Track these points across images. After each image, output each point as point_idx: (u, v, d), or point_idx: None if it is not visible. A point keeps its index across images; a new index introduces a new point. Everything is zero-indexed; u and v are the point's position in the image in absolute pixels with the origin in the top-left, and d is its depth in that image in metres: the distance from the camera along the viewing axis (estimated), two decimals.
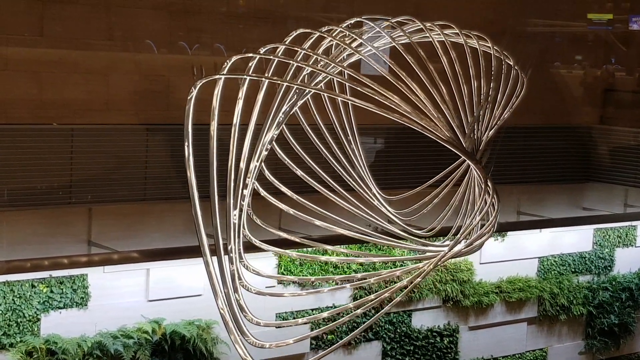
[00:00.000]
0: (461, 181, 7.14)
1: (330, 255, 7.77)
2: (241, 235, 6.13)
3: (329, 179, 7.03)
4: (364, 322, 12.21)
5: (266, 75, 6.09)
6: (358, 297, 11.85)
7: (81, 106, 12.57)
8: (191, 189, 6.01)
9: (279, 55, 6.16)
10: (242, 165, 6.09)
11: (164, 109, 12.97)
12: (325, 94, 6.70)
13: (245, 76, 6.01)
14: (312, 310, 11.52)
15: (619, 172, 17.09)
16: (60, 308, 10.06)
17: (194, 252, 8.42)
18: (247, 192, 6.16)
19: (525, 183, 15.95)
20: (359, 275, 8.13)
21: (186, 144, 6.02)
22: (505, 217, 13.36)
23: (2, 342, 9.73)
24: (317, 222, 6.65)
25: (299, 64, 6.11)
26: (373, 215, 6.93)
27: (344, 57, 6.55)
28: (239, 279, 6.12)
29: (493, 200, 6.28)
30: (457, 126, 6.03)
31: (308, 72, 6.41)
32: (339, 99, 6.90)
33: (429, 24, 6.36)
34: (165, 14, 13.15)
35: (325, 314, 6.78)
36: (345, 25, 6.58)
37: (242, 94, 6.07)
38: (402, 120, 5.85)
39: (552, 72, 18.22)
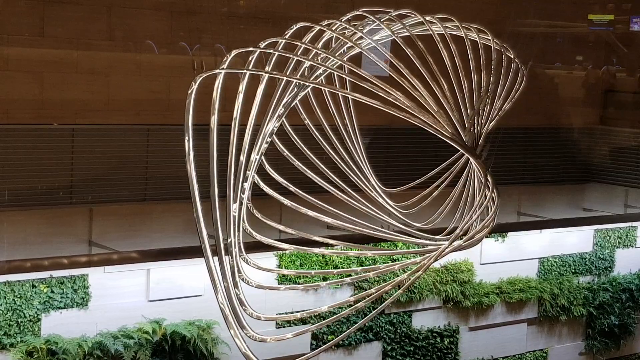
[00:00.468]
0: (461, 174, 7.16)
1: (330, 251, 7.73)
2: (241, 229, 6.13)
3: (328, 171, 7.02)
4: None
5: (266, 69, 6.10)
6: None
7: (82, 106, 12.59)
8: (191, 184, 6.01)
9: (279, 49, 6.18)
10: (242, 157, 6.09)
11: (165, 109, 12.99)
12: (325, 89, 6.70)
13: (245, 70, 6.02)
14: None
15: (619, 173, 17.11)
16: (60, 308, 10.07)
17: (194, 252, 8.45)
18: (247, 185, 6.16)
19: (526, 184, 15.96)
20: (358, 269, 8.13)
21: (186, 138, 6.02)
22: (505, 218, 13.39)
23: (3, 342, 9.74)
24: (316, 215, 6.64)
25: (299, 58, 6.12)
26: (373, 208, 6.94)
27: (343, 50, 6.56)
28: (239, 272, 6.12)
29: (493, 194, 6.29)
30: (457, 120, 6.03)
31: (308, 65, 6.41)
32: (340, 93, 6.91)
33: (429, 17, 6.38)
34: (166, 14, 13.17)
35: (325, 307, 6.75)
36: (345, 18, 6.59)
37: (242, 87, 6.08)
38: (401, 115, 5.85)
39: (553, 73, 18.24)
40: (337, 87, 6.83)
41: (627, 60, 18.94)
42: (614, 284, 14.79)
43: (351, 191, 7.00)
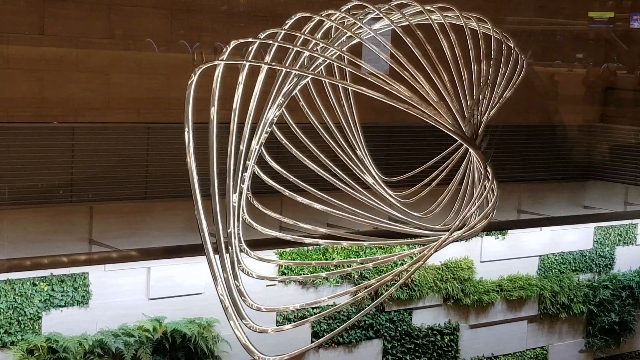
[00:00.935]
0: (461, 164, 7.16)
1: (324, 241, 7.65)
2: (241, 220, 6.13)
3: (327, 161, 7.02)
4: (364, 320, 12.23)
5: (266, 60, 6.11)
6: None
7: (82, 104, 12.61)
8: (191, 175, 6.01)
9: (279, 40, 6.18)
10: (242, 147, 6.09)
11: (165, 107, 13.00)
12: (324, 79, 6.71)
13: (245, 62, 6.03)
14: (313, 309, 11.50)
15: (619, 170, 17.12)
16: (61, 306, 10.06)
17: (195, 250, 8.45)
18: (247, 174, 6.16)
19: (526, 181, 15.95)
20: (357, 260, 8.13)
21: (186, 129, 6.02)
22: (505, 216, 13.38)
23: (4, 341, 9.72)
24: (317, 206, 6.64)
25: (298, 49, 6.12)
26: (374, 199, 6.93)
27: (343, 39, 6.56)
28: (239, 263, 6.11)
29: (492, 185, 6.29)
30: (457, 110, 6.03)
31: (307, 55, 6.42)
32: (340, 84, 6.91)
33: (428, 7, 6.38)
34: (166, 12, 13.19)
35: (325, 298, 6.75)
36: (344, 8, 6.60)
37: (242, 78, 6.09)
38: (401, 106, 5.85)
39: (553, 71, 18.26)
40: (337, 78, 6.83)
41: (627, 58, 18.95)
42: (614, 281, 14.78)
43: (351, 181, 7.00)
